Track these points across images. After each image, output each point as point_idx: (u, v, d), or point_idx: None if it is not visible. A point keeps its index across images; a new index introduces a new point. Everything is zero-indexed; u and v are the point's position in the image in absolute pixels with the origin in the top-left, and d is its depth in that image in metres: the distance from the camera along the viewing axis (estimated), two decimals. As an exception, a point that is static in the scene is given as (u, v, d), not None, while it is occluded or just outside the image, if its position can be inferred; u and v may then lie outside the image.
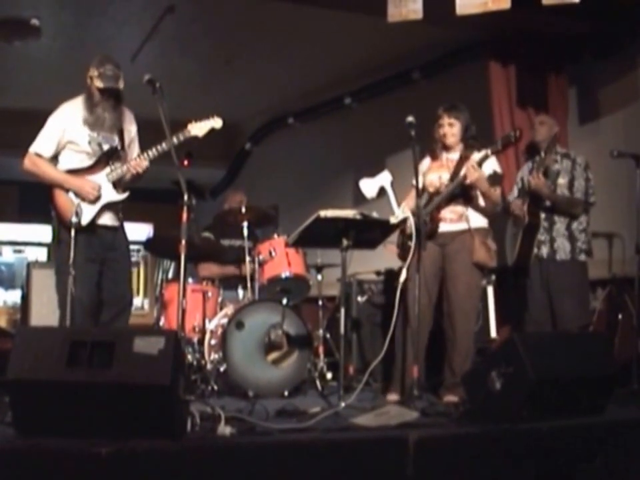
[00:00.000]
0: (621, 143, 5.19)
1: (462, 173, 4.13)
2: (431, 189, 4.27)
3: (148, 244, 5.85)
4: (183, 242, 3.59)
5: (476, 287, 4.27)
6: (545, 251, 4.62)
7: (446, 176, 4.26)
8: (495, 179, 4.21)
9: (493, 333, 5.22)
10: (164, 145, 4.01)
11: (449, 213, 4.22)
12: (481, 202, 4.25)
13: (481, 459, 2.90)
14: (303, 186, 8.31)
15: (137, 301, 8.50)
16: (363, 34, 6.13)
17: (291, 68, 7.14)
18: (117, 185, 4.13)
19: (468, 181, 4.11)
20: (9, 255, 9.32)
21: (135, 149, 4.29)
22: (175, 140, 4.00)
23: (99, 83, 4.05)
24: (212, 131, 4.17)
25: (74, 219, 3.80)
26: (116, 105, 4.12)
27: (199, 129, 4.13)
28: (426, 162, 4.43)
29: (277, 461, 2.62)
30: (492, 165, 4.22)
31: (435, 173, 4.31)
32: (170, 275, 7.91)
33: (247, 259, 4.87)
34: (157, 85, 3.73)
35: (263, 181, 8.83)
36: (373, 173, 4.49)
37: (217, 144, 9.41)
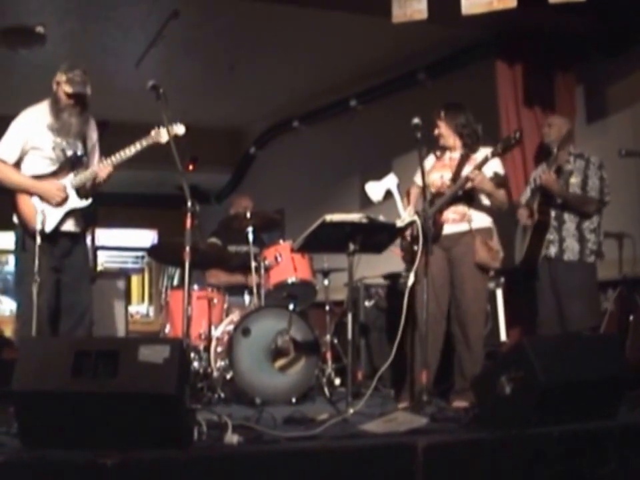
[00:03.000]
0: (630, 141, 5.15)
1: (463, 175, 4.12)
2: (433, 189, 4.24)
3: (152, 250, 5.85)
4: (188, 248, 3.57)
5: (483, 290, 4.24)
6: (553, 250, 4.59)
7: (448, 175, 4.24)
8: (497, 180, 4.17)
9: (503, 337, 5.18)
10: (127, 151, 4.05)
11: (451, 213, 4.21)
12: (486, 201, 4.23)
13: (491, 465, 2.87)
14: (308, 190, 8.29)
15: (142, 308, 8.47)
16: (367, 35, 6.11)
17: (295, 71, 7.13)
18: (80, 191, 4.10)
19: (470, 185, 4.10)
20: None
21: (95, 156, 4.27)
22: (138, 146, 4.05)
23: (67, 88, 4.04)
24: (176, 137, 4.10)
25: (38, 226, 3.71)
26: (82, 111, 4.11)
27: (161, 135, 4.11)
28: (430, 160, 4.42)
29: (285, 469, 2.60)
30: (493, 167, 4.19)
31: (437, 172, 4.30)
32: (175, 282, 7.91)
33: (253, 264, 4.85)
34: (161, 90, 3.72)
35: (268, 185, 8.81)
36: (379, 175, 4.46)
37: (222, 148, 9.41)
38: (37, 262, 3.62)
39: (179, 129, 4.14)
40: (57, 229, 4.03)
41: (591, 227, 4.57)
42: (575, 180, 4.59)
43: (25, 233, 3.96)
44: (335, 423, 3.19)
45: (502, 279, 5.29)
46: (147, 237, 9.29)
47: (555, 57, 5.60)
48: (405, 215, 4.27)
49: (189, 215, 3.55)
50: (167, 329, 4.90)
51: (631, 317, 4.64)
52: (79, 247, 4.20)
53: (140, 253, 8.44)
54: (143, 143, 4.08)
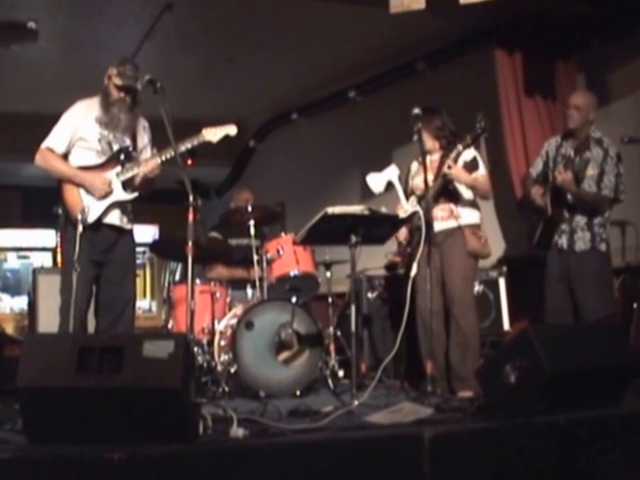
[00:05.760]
0: (631, 128, 5.12)
1: (442, 172, 4.20)
2: (418, 192, 4.32)
3: (154, 246, 5.84)
4: (190, 243, 3.57)
5: (471, 278, 4.35)
6: (565, 241, 4.51)
7: (430, 177, 4.26)
8: (469, 167, 4.22)
9: (506, 326, 5.18)
10: (176, 148, 3.96)
11: (439, 211, 4.27)
12: (468, 195, 4.31)
13: (497, 454, 2.87)
14: (309, 182, 8.28)
15: (145, 303, 8.48)
16: (365, 26, 6.08)
17: (293, 62, 7.10)
18: (127, 185, 4.10)
19: (448, 177, 4.18)
20: (13, 261, 9.31)
21: (147, 157, 4.23)
22: (188, 145, 4.02)
23: (117, 81, 4.04)
24: (226, 137, 4.14)
25: (80, 216, 3.73)
26: (132, 107, 4.11)
27: (212, 134, 4.11)
28: (414, 166, 4.53)
29: (291, 462, 2.60)
30: (463, 157, 4.24)
31: (420, 177, 4.34)
32: (177, 277, 7.91)
33: (255, 257, 4.84)
34: (158, 84, 3.71)
35: (268, 178, 8.79)
36: (379, 167, 4.46)
37: (221, 142, 9.37)
38: (77, 250, 3.62)
39: (232, 130, 4.16)
40: (99, 220, 4.02)
41: (601, 221, 4.49)
42: (591, 172, 4.42)
43: (67, 221, 3.97)
44: (340, 414, 3.19)
45: (504, 268, 5.29)
46: (148, 232, 9.29)
47: (555, 44, 5.57)
48: (407, 206, 4.29)
49: (190, 209, 3.54)
50: (170, 324, 4.90)
51: (635, 305, 4.61)
52: (125, 242, 4.17)
53: (141, 249, 8.45)
54: (194, 141, 4.04)
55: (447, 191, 4.25)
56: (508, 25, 5.61)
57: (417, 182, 4.36)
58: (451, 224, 4.27)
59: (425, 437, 2.72)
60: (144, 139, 4.26)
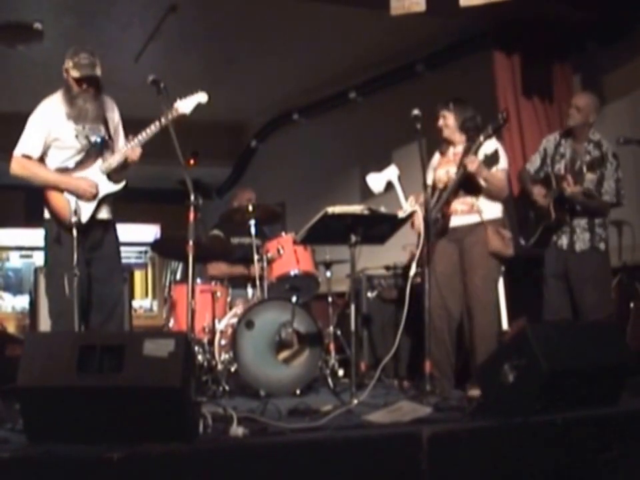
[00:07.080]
0: (627, 129, 5.15)
1: (462, 163, 4.18)
2: (440, 185, 4.29)
3: (155, 245, 5.86)
4: (191, 242, 3.58)
5: (493, 279, 4.29)
6: (564, 241, 4.51)
7: (453, 170, 4.29)
8: (489, 161, 4.18)
9: (504, 326, 5.18)
10: (152, 127, 3.91)
11: (459, 204, 4.25)
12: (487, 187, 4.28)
13: (495, 453, 2.88)
14: (309, 182, 8.29)
15: (146, 302, 8.50)
16: (366, 28, 6.11)
17: (294, 64, 7.12)
18: (111, 175, 4.00)
19: (468, 169, 4.13)
20: (16, 260, 9.32)
21: (120, 136, 4.16)
22: (162, 120, 3.90)
23: (75, 73, 3.92)
24: (198, 105, 4.06)
25: (74, 218, 3.68)
26: (96, 94, 3.98)
27: (185, 106, 4.01)
28: (436, 158, 4.48)
29: (291, 461, 2.61)
30: (483, 150, 4.20)
31: (442, 169, 4.36)
32: (178, 276, 7.94)
33: (255, 257, 4.86)
34: (162, 85, 3.72)
35: (269, 178, 8.81)
36: (379, 167, 4.47)
37: (222, 142, 9.41)
38: (75, 255, 3.58)
39: (202, 97, 4.07)
40: (92, 218, 3.94)
41: (601, 222, 4.50)
42: (591, 176, 4.40)
43: (59, 226, 3.87)
44: (340, 413, 3.20)
45: (502, 268, 5.29)
46: (149, 232, 9.29)
47: (552, 46, 5.61)
48: (407, 205, 4.30)
49: (191, 208, 3.56)
50: (171, 323, 4.92)
51: (631, 304, 4.64)
52: (110, 237, 4.09)
53: (143, 248, 8.46)
54: (169, 116, 3.92)
55: (467, 184, 4.21)
56: (506, 28, 5.63)
57: (439, 174, 4.32)
58: (473, 219, 4.22)
59: (423, 436, 2.73)
60: (114, 119, 4.14)
